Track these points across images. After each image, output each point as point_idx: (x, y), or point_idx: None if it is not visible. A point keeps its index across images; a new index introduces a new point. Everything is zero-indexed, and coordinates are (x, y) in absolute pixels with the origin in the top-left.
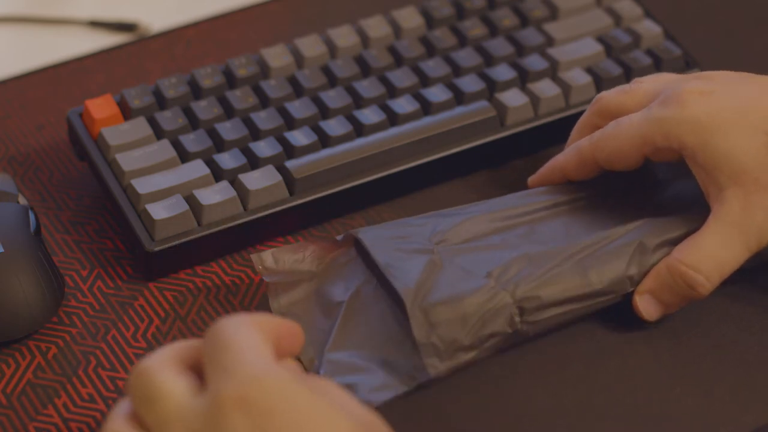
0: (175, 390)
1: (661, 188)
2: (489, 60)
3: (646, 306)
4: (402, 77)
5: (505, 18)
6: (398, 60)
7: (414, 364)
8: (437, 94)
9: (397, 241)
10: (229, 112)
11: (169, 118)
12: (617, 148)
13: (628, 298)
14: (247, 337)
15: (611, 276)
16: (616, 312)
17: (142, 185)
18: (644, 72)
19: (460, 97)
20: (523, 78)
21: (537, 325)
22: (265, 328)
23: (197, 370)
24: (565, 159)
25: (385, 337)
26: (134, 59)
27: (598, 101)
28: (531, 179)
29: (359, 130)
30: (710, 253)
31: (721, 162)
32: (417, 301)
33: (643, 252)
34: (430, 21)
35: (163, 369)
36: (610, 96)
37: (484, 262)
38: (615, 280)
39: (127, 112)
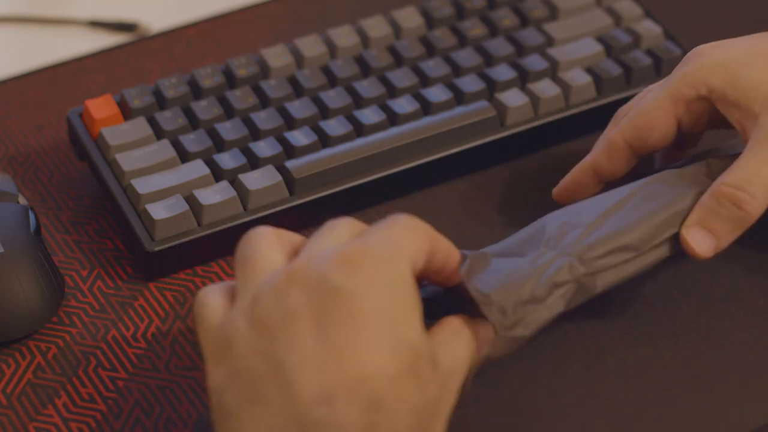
0: (268, 258)
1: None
2: (489, 60)
3: (696, 238)
4: (402, 77)
5: (505, 18)
6: (398, 60)
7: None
8: (437, 94)
9: None
10: (229, 112)
11: (169, 118)
12: (647, 121)
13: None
14: (340, 235)
15: (659, 219)
16: (616, 312)
17: (142, 185)
18: (644, 72)
19: (460, 97)
20: (523, 78)
21: (601, 278)
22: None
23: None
24: (593, 155)
25: None
26: (134, 59)
27: (617, 113)
28: (556, 191)
29: (359, 130)
30: (753, 172)
31: (751, 92)
32: (471, 274)
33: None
34: (430, 21)
35: (268, 238)
36: (627, 104)
37: (530, 245)
38: (663, 223)
39: (127, 112)
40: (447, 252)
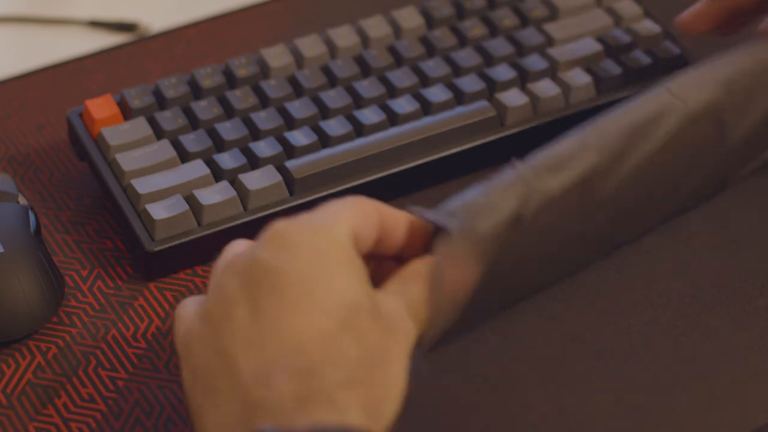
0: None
1: None
2: (489, 60)
3: None
4: (402, 77)
5: (505, 18)
6: (398, 60)
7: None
8: (437, 94)
9: None
10: (229, 112)
11: (169, 118)
12: None
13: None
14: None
15: (613, 129)
16: (616, 312)
17: (142, 185)
18: (644, 72)
19: (460, 97)
20: (523, 78)
21: (556, 178)
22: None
23: None
24: None
25: None
26: (134, 59)
27: None
28: (681, 18)
29: (359, 130)
30: None
31: None
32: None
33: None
34: (430, 21)
35: (240, 250)
36: None
37: None
38: (620, 134)
39: (127, 112)
40: (409, 225)
